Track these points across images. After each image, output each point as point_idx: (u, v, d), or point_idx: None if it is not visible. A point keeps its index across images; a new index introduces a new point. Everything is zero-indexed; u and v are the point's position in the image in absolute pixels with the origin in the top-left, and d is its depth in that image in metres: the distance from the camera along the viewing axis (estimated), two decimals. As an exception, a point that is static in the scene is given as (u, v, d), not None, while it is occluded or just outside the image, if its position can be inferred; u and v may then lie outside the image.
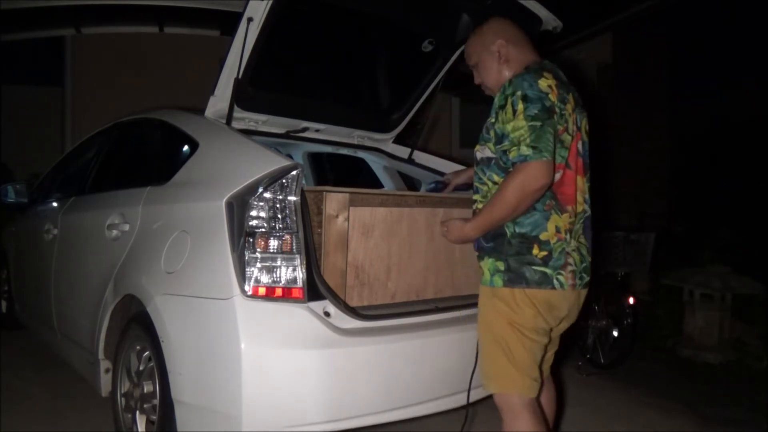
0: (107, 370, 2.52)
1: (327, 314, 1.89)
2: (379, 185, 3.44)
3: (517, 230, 1.78)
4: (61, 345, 3.12)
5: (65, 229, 3.09)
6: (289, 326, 1.84)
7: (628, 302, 3.99)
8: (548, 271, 1.76)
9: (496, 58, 1.94)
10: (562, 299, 1.82)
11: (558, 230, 1.78)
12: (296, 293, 1.86)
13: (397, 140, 3.31)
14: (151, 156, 2.84)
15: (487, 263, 1.84)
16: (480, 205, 1.88)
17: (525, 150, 1.68)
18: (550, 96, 1.73)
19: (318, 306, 1.89)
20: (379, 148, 3.28)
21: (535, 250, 1.77)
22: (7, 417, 2.78)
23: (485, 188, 1.87)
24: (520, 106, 1.71)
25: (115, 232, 2.49)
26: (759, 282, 4.54)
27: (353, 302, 2.10)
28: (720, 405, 3.50)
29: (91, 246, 2.72)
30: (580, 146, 1.87)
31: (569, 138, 1.80)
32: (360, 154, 3.35)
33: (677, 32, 7.74)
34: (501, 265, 1.80)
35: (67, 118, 7.59)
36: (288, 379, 1.81)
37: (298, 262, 1.86)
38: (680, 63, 8.02)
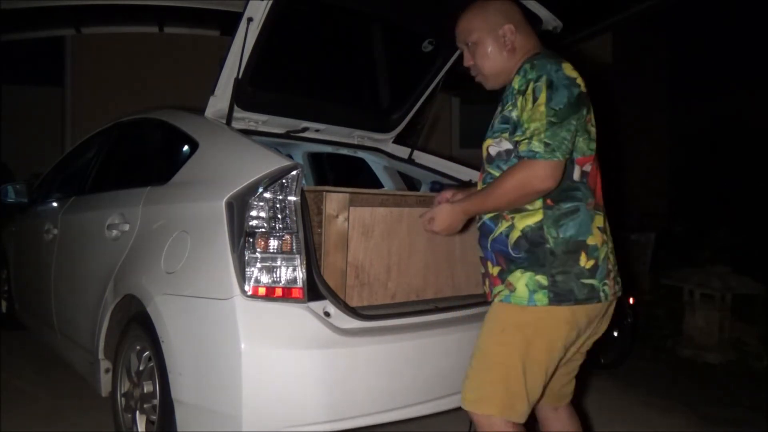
0: (107, 370, 2.52)
1: (327, 314, 1.89)
2: (379, 185, 3.44)
3: (561, 235, 1.56)
4: (61, 345, 3.12)
5: (65, 229, 3.09)
6: (289, 326, 1.84)
7: (628, 302, 3.99)
8: (595, 282, 1.59)
9: (501, 44, 1.70)
10: (601, 311, 1.67)
11: (601, 231, 1.62)
12: (296, 293, 1.85)
13: (397, 140, 3.31)
14: (151, 156, 2.84)
15: (524, 278, 1.58)
16: (497, 216, 1.67)
17: (536, 146, 1.48)
18: (577, 81, 1.56)
19: (318, 306, 1.88)
20: (379, 148, 3.28)
21: (583, 260, 1.57)
22: (7, 417, 2.78)
23: None
24: (543, 96, 1.51)
25: (115, 232, 2.49)
26: (759, 282, 4.54)
27: (353, 302, 2.10)
28: (720, 405, 3.50)
29: (91, 246, 2.72)
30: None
31: (593, 129, 1.64)
32: (360, 154, 3.35)
33: (677, 32, 7.74)
34: (544, 280, 1.56)
35: (67, 118, 7.59)
36: (288, 379, 1.81)
37: (298, 262, 1.86)
38: (680, 63, 8.02)
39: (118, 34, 7.25)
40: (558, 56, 1.62)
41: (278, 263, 1.85)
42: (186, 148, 2.38)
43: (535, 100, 1.52)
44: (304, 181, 1.95)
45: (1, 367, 3.46)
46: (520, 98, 1.56)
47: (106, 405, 2.52)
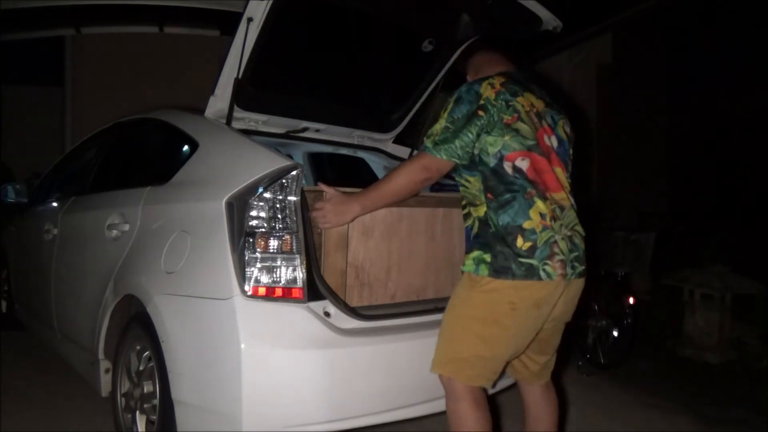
0: (107, 370, 2.52)
1: (327, 314, 1.89)
2: (379, 185, 3.43)
3: (500, 221, 1.78)
4: (61, 345, 3.12)
5: (65, 229, 3.09)
6: (289, 326, 1.84)
7: (628, 302, 3.99)
8: (534, 262, 1.75)
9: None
10: (551, 291, 1.80)
11: (543, 217, 1.77)
12: (296, 293, 1.86)
13: (397, 140, 3.31)
14: (151, 156, 2.84)
15: (474, 254, 1.83)
16: (466, 211, 1.91)
17: (428, 143, 1.81)
18: (483, 94, 1.80)
19: (318, 306, 1.89)
20: (379, 148, 3.28)
21: (520, 241, 1.76)
22: (7, 417, 2.78)
23: (464, 189, 1.90)
24: (450, 106, 1.82)
25: (115, 232, 2.49)
26: (759, 282, 4.54)
27: (353, 302, 2.10)
28: (720, 405, 3.50)
29: (91, 246, 2.72)
30: (553, 141, 1.89)
31: (526, 126, 1.82)
32: (360, 154, 3.35)
33: (677, 32, 7.74)
34: (488, 257, 1.79)
35: (67, 118, 7.60)
36: (288, 379, 1.81)
37: (298, 262, 1.86)
38: (680, 63, 8.01)
39: (118, 34, 7.26)
40: (495, 75, 1.89)
41: (278, 263, 1.85)
42: (186, 148, 2.38)
43: (444, 110, 1.84)
44: (304, 181, 1.95)
45: (1, 367, 3.46)
46: (441, 112, 1.86)
47: (106, 405, 2.52)
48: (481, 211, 1.84)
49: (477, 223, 1.86)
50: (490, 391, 2.11)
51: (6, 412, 2.82)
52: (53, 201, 3.50)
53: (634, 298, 4.06)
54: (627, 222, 6.77)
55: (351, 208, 1.92)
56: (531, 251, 1.75)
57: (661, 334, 4.80)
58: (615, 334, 3.97)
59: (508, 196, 1.79)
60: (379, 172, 3.46)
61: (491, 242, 1.80)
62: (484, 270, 1.79)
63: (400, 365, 1.98)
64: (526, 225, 1.76)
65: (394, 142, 3.30)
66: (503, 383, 2.28)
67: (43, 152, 7.37)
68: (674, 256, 5.46)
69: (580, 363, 3.92)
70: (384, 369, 1.95)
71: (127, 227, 2.44)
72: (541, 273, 1.75)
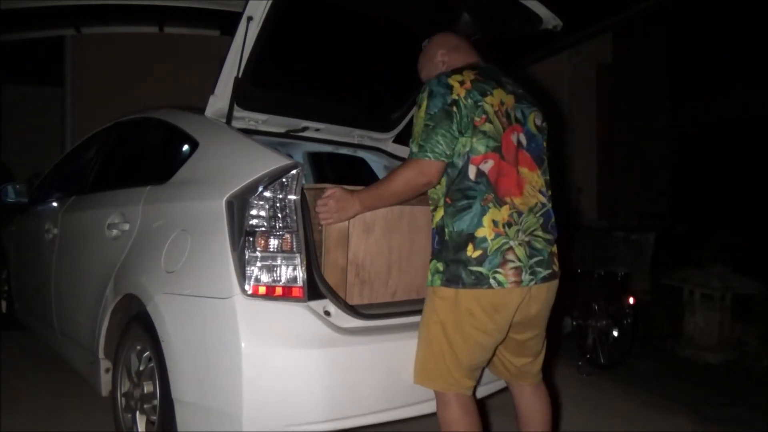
0: (107, 370, 2.52)
1: (327, 313, 1.89)
2: (380, 185, 3.42)
3: (455, 228, 1.78)
4: (61, 344, 3.12)
5: (65, 229, 3.09)
6: (290, 325, 1.84)
7: (628, 302, 3.99)
8: (483, 270, 1.75)
9: (440, 67, 2.03)
10: (506, 298, 1.79)
11: (495, 224, 1.76)
12: (296, 292, 1.85)
13: (398, 140, 3.30)
14: (151, 155, 2.84)
15: (431, 265, 1.87)
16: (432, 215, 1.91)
17: (413, 147, 1.80)
18: (454, 89, 1.78)
19: (318, 305, 1.88)
20: (380, 148, 3.28)
21: (470, 250, 1.76)
22: (7, 417, 2.78)
23: (432, 191, 1.90)
24: (425, 103, 1.80)
25: (115, 232, 2.49)
26: (759, 282, 4.54)
27: (353, 300, 2.10)
28: (720, 405, 3.50)
29: (91, 245, 2.72)
30: (522, 139, 1.87)
31: (493, 127, 1.80)
32: (360, 153, 3.35)
33: (677, 32, 7.75)
34: (441, 266, 1.82)
35: (67, 118, 7.60)
36: (288, 379, 1.81)
37: (298, 261, 1.86)
38: (680, 63, 8.02)
39: (118, 34, 7.26)
40: (465, 69, 1.86)
41: (278, 262, 1.84)
42: (186, 147, 2.37)
43: (419, 108, 1.82)
44: (303, 181, 1.95)
45: (1, 367, 3.46)
46: (415, 109, 1.86)
47: (107, 405, 2.51)
48: (439, 215, 1.85)
49: (434, 228, 1.88)
50: (480, 395, 2.11)
51: (6, 412, 2.82)
52: (53, 201, 3.50)
53: (634, 298, 4.07)
54: (627, 222, 6.78)
55: (352, 205, 1.93)
56: (481, 259, 1.75)
57: (661, 334, 4.81)
58: (615, 334, 3.97)
59: (464, 202, 1.78)
60: (380, 172, 3.45)
61: (444, 250, 1.81)
62: (437, 280, 1.82)
63: (400, 364, 1.97)
64: (478, 233, 1.76)
65: (394, 141, 3.30)
66: (496, 385, 2.28)
67: (43, 152, 7.37)
68: (674, 256, 5.47)
69: (580, 363, 3.92)
70: (385, 368, 1.95)
71: (127, 226, 2.44)
72: (492, 281, 1.75)
